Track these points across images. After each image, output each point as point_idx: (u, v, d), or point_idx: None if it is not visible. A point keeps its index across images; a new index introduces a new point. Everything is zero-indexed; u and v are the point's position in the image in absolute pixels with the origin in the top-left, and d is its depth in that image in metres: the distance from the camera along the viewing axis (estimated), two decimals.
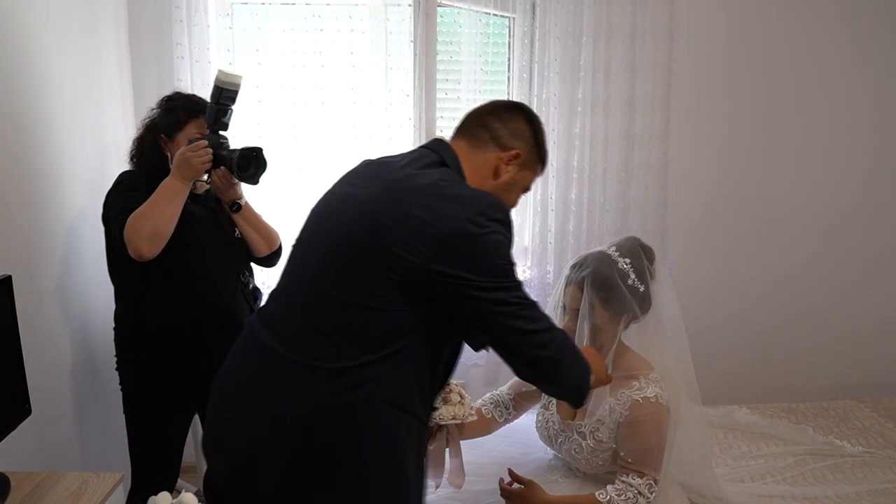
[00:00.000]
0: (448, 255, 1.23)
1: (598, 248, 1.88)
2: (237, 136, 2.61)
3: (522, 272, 3.00)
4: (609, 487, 1.73)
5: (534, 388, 1.98)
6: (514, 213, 1.53)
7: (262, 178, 1.97)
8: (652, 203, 2.98)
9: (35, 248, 1.97)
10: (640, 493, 1.70)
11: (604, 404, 1.78)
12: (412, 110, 2.75)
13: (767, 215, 3.16)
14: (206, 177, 1.96)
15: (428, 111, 2.75)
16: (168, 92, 2.05)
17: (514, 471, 1.82)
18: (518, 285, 1.30)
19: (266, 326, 1.35)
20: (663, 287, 1.84)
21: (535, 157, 1.48)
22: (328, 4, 2.69)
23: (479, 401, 2.02)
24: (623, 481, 1.73)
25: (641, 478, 1.71)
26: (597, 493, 1.73)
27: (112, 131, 2.48)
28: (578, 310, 1.78)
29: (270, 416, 1.27)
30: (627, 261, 1.78)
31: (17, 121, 1.87)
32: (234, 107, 1.92)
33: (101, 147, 2.39)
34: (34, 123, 1.96)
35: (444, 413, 1.71)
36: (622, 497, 1.71)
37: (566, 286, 1.85)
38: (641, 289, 1.79)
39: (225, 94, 1.88)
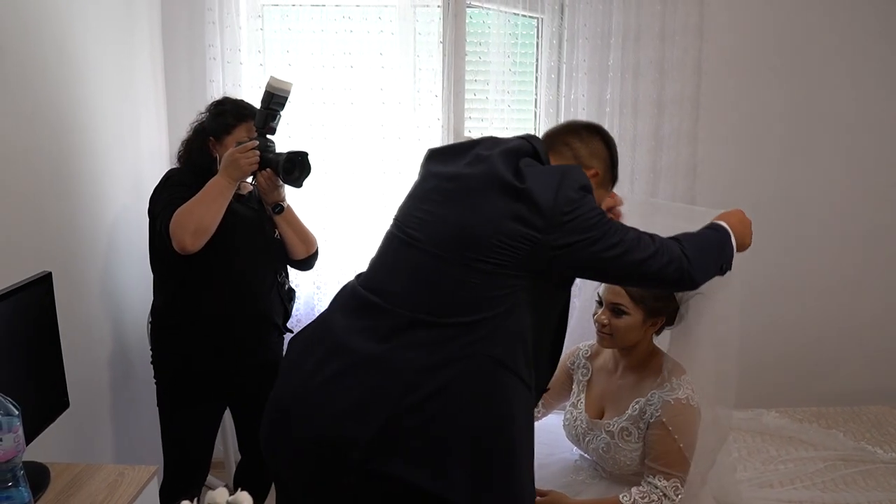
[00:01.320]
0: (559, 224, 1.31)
1: None
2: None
3: None
4: (634, 490, 1.72)
5: (564, 386, 1.99)
6: None
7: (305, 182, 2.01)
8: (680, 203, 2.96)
9: (74, 246, 2.01)
10: (665, 495, 1.69)
11: (634, 403, 1.78)
12: (440, 111, 2.76)
13: (798, 217, 3.12)
14: (251, 178, 2.01)
15: (456, 112, 2.75)
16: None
17: (539, 471, 1.81)
18: (611, 223, 1.37)
19: (370, 291, 1.40)
20: (725, 293, 1.80)
21: (610, 177, 1.57)
22: (358, 6, 2.71)
23: None
24: (649, 483, 1.72)
25: (668, 479, 1.70)
26: (621, 496, 1.72)
27: (146, 130, 2.53)
28: (615, 305, 1.78)
29: (377, 371, 1.30)
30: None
31: (54, 122, 1.91)
32: (282, 112, 1.97)
33: (136, 146, 2.44)
34: (72, 124, 2.00)
35: None
36: (646, 500, 1.70)
37: None
38: (679, 297, 1.80)
39: (275, 99, 1.94)
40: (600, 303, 1.84)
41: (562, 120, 2.87)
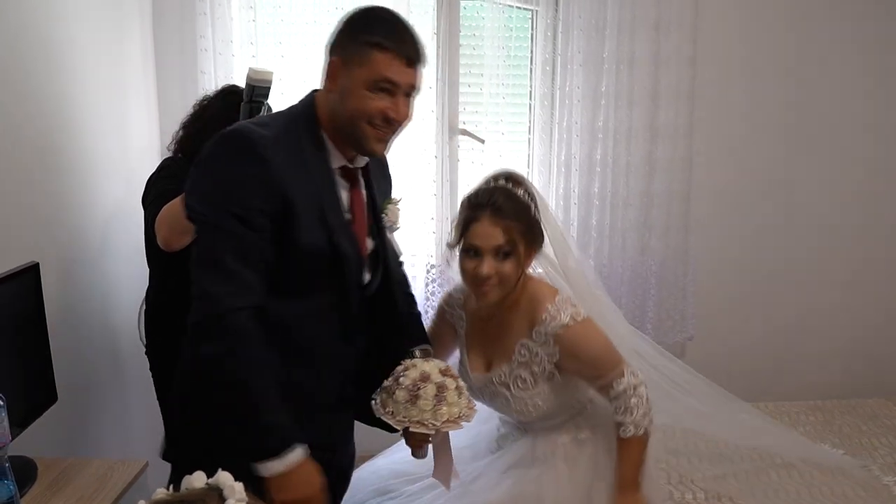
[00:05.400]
0: None
1: (484, 186, 1.67)
2: None
3: None
4: (615, 417, 1.64)
5: (449, 337, 1.84)
6: None
7: None
8: (676, 197, 2.95)
9: (63, 239, 1.98)
10: (633, 388, 1.63)
11: (519, 348, 1.66)
12: (434, 103, 2.74)
13: (792, 210, 3.11)
14: None
15: (451, 104, 2.73)
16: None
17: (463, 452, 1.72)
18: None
19: None
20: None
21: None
22: None
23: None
24: (613, 399, 1.64)
25: (620, 379, 1.63)
26: (620, 431, 1.64)
27: (137, 123, 2.50)
28: (498, 247, 1.58)
29: None
30: (521, 191, 1.64)
31: (43, 115, 1.88)
32: (267, 102, 1.93)
33: (126, 139, 2.40)
34: (60, 117, 1.97)
35: (445, 413, 1.48)
36: (629, 408, 1.62)
37: (468, 224, 1.60)
38: (540, 219, 1.67)
39: (257, 91, 1.88)
40: (474, 252, 1.60)
41: (557, 111, 2.86)
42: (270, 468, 1.28)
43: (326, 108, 1.42)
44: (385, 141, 1.41)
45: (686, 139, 2.91)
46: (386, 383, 1.52)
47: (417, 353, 1.60)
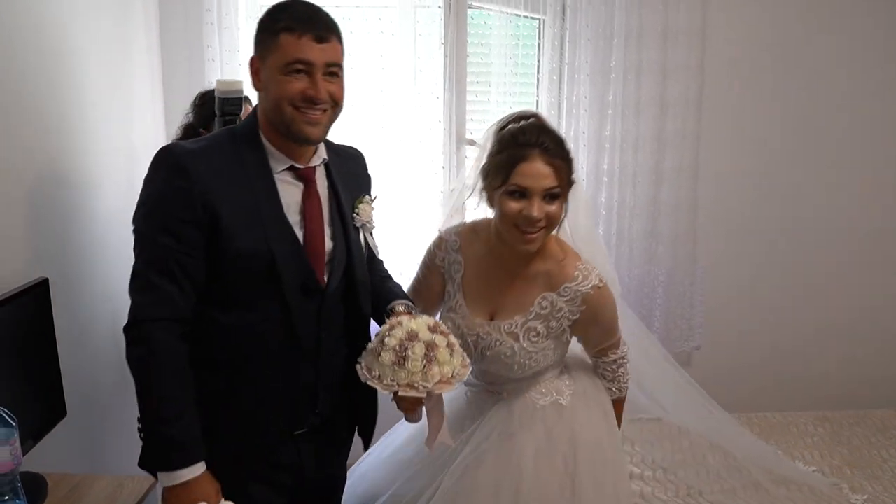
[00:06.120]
0: None
1: (521, 124, 1.59)
2: None
3: None
4: (605, 382, 1.74)
5: (435, 288, 1.76)
6: None
7: None
8: (683, 206, 2.95)
9: (69, 252, 1.97)
10: (622, 359, 1.73)
11: (540, 300, 1.61)
12: (442, 113, 2.73)
13: (800, 219, 3.10)
14: None
15: (458, 113, 2.73)
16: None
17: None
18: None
19: None
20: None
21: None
22: (357, 7, 2.68)
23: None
24: (603, 363, 1.73)
25: (617, 348, 1.71)
26: (612, 392, 1.75)
27: (142, 133, 2.49)
28: (549, 189, 1.50)
29: None
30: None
31: (48, 124, 1.87)
32: (242, 114, 1.88)
33: (132, 150, 2.40)
34: (66, 127, 1.96)
35: (436, 374, 1.35)
36: (618, 376, 1.73)
37: (515, 163, 1.50)
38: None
39: (228, 104, 1.84)
40: (520, 193, 1.51)
41: (564, 121, 2.85)
42: (164, 479, 1.31)
43: (262, 111, 1.41)
44: (316, 124, 1.36)
45: (693, 148, 2.91)
46: (371, 345, 1.40)
47: (401, 307, 1.51)
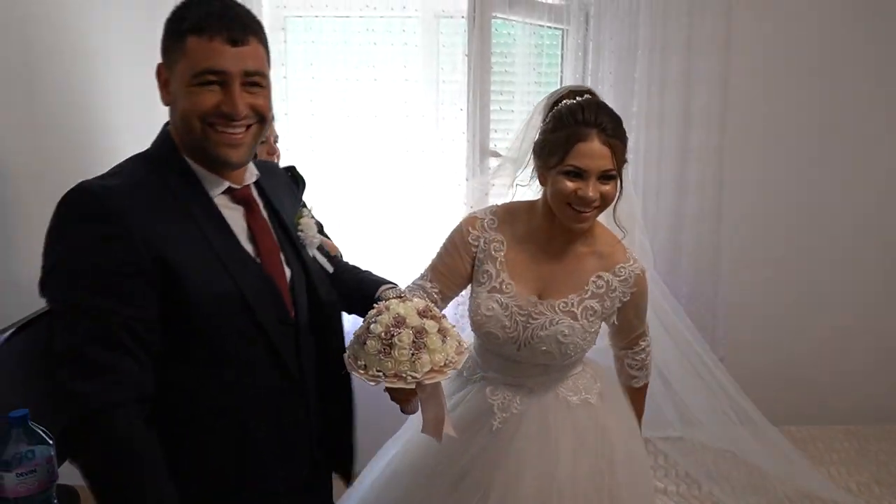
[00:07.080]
0: None
1: (577, 100, 1.52)
2: (291, 149, 2.63)
3: None
4: (633, 372, 1.75)
5: (460, 271, 1.65)
6: None
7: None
8: (707, 218, 2.92)
9: None
10: (649, 346, 1.76)
11: (596, 279, 1.59)
12: (465, 124, 2.73)
13: (824, 230, 3.07)
14: None
15: (482, 125, 2.72)
16: None
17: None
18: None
19: None
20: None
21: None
22: (381, 17, 2.68)
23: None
24: (636, 352, 1.74)
25: (646, 336, 1.75)
26: (632, 382, 1.76)
27: None
28: (607, 171, 1.47)
29: None
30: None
31: (72, 135, 1.90)
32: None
33: None
34: (90, 133, 1.98)
35: (426, 362, 1.21)
36: (645, 364, 1.75)
37: (574, 143, 1.46)
38: None
39: None
40: (577, 174, 1.48)
41: None
42: None
43: (173, 130, 1.19)
44: (238, 145, 1.15)
45: (717, 160, 2.89)
46: (357, 332, 1.26)
47: (390, 293, 1.38)
